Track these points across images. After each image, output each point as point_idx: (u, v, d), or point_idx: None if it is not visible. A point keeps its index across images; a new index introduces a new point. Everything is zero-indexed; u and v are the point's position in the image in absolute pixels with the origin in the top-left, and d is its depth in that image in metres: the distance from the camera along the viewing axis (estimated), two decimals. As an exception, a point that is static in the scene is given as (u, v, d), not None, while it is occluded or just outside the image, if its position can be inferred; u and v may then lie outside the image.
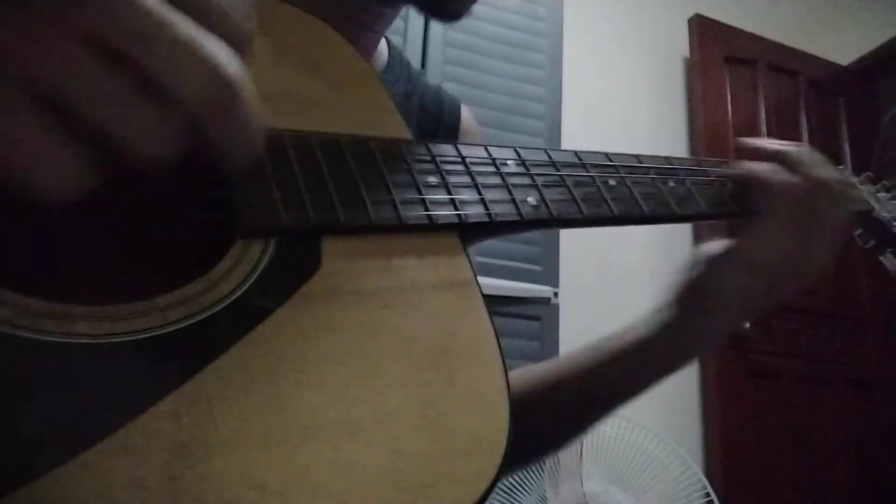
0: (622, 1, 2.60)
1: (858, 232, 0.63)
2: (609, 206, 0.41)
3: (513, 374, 0.56)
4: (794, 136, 2.61)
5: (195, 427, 0.23)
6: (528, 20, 1.96)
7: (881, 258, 0.61)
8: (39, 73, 0.20)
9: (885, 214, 0.59)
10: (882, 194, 0.62)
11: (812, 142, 2.65)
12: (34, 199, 0.22)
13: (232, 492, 0.22)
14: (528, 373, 0.57)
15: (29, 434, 0.21)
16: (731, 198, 0.48)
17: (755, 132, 2.54)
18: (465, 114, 0.67)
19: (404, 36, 1.74)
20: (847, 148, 2.67)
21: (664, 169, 0.46)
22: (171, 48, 0.22)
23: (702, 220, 0.49)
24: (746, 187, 0.49)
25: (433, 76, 1.78)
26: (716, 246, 0.51)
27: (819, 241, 0.49)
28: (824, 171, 0.49)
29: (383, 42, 0.63)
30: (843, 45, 2.85)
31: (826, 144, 2.64)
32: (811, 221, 0.48)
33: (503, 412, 0.29)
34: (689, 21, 2.54)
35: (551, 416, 0.56)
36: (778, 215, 0.47)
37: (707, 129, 2.43)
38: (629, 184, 0.44)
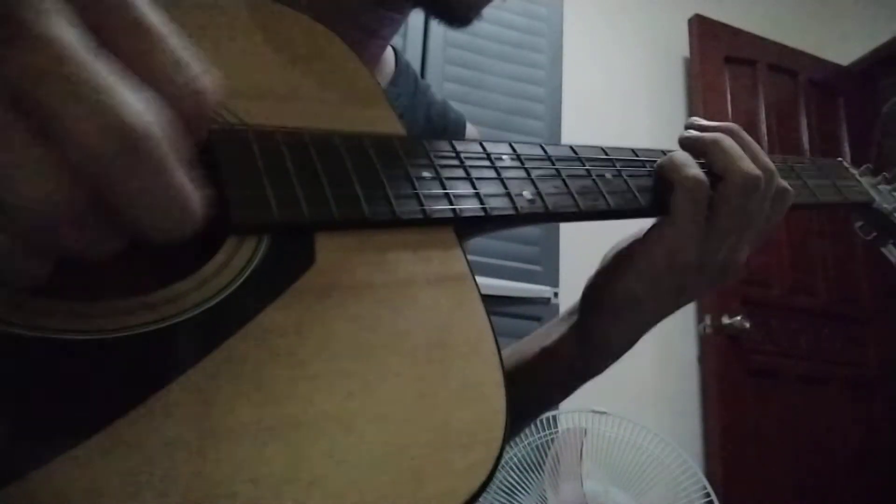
0: (622, 1, 2.60)
1: (860, 224, 0.63)
2: (605, 198, 0.41)
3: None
4: (794, 136, 2.62)
5: (189, 422, 0.23)
6: (528, 20, 1.96)
7: (883, 250, 0.61)
8: None
9: (885, 206, 0.59)
10: (883, 186, 0.61)
11: (812, 142, 2.65)
12: None
13: (226, 485, 0.22)
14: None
15: (22, 429, 0.21)
16: (640, 192, 0.45)
17: (755, 132, 2.54)
18: (471, 130, 0.67)
19: (404, 36, 1.74)
20: (847, 148, 2.67)
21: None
22: (68, 92, 0.19)
23: None
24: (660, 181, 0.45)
25: (433, 76, 1.78)
26: (623, 243, 0.48)
27: (741, 237, 0.45)
28: (744, 162, 0.44)
29: (391, 53, 0.62)
30: (843, 45, 2.85)
31: (826, 144, 2.65)
32: (728, 217, 0.44)
33: (500, 405, 0.28)
34: (689, 21, 2.54)
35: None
36: (681, 214, 0.43)
37: (707, 129, 2.43)
38: (625, 177, 0.44)
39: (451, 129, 0.64)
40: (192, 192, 0.22)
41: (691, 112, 2.53)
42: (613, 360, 0.49)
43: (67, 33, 0.20)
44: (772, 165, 0.46)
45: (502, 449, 0.27)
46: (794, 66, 2.68)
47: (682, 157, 0.45)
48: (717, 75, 2.51)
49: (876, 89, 2.79)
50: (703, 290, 0.47)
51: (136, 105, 0.20)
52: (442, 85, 1.78)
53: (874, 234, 0.61)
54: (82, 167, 0.20)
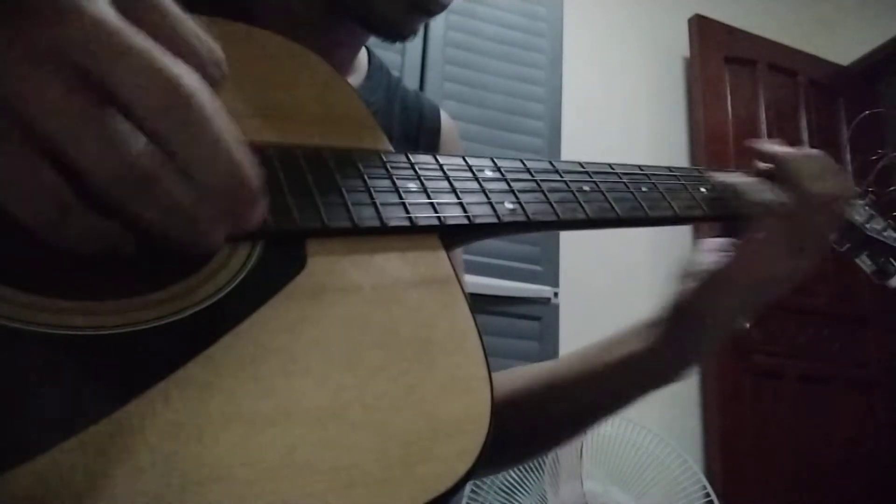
0: (622, 1, 2.60)
1: (833, 236, 0.64)
2: (583, 208, 0.43)
3: (505, 372, 0.57)
4: (794, 136, 2.62)
5: (187, 410, 0.24)
6: (528, 20, 1.97)
7: (857, 260, 0.62)
8: None
9: (857, 217, 0.61)
10: (855, 199, 0.63)
11: (812, 142, 2.65)
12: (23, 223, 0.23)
13: (223, 468, 0.23)
14: (521, 374, 0.58)
15: (27, 417, 0.22)
16: (706, 202, 0.49)
17: (755, 132, 2.54)
18: (445, 117, 0.68)
19: (404, 36, 1.74)
20: (847, 148, 2.67)
21: (636, 175, 0.49)
22: (122, 57, 0.22)
23: (675, 224, 0.50)
24: (728, 198, 0.50)
25: (433, 77, 1.78)
26: (707, 259, 0.52)
27: (808, 255, 0.48)
28: (820, 184, 0.48)
29: (364, 52, 0.64)
30: (843, 45, 2.85)
31: (826, 144, 2.64)
32: (801, 238, 0.47)
33: (485, 396, 0.30)
34: (689, 21, 2.54)
35: (544, 418, 0.56)
36: (762, 234, 0.47)
37: (707, 129, 2.44)
38: (602, 189, 0.46)
39: (426, 117, 0.65)
40: (245, 148, 0.25)
41: (691, 112, 2.54)
42: (681, 372, 0.52)
43: (109, 11, 0.22)
44: (839, 187, 0.49)
45: (488, 437, 0.28)
46: (794, 66, 2.68)
47: (757, 184, 0.49)
48: (717, 75, 2.51)
49: (876, 89, 2.79)
50: (765, 304, 0.50)
51: (180, 66, 0.23)
52: (442, 85, 1.78)
53: (847, 245, 0.62)
54: (147, 124, 0.23)
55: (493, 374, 0.31)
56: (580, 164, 0.47)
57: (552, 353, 1.76)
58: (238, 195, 0.25)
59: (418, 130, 0.64)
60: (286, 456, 0.24)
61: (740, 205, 0.49)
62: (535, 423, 0.56)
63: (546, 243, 1.78)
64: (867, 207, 0.62)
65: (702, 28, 2.52)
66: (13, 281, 0.25)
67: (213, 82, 0.25)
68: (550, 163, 0.45)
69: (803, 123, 2.65)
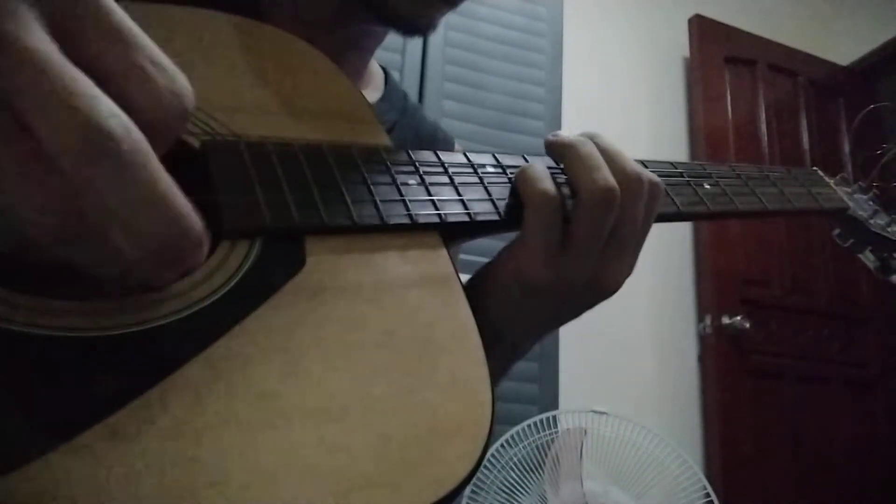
0: (622, 1, 2.60)
1: (836, 231, 0.64)
2: None
3: None
4: (794, 136, 2.62)
5: (184, 413, 0.23)
6: (528, 20, 1.97)
7: (860, 256, 0.62)
8: None
9: (861, 213, 0.60)
10: (858, 195, 0.63)
11: (812, 142, 2.65)
12: None
13: (221, 471, 0.23)
14: None
15: (21, 421, 0.22)
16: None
17: (755, 132, 2.54)
18: (459, 149, 0.67)
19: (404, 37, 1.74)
20: (847, 148, 2.67)
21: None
22: (42, 94, 0.20)
23: (680, 220, 0.49)
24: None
25: (433, 76, 1.78)
26: (482, 268, 0.44)
27: (609, 252, 0.40)
28: (599, 172, 0.39)
29: (380, 72, 0.63)
30: (843, 45, 2.85)
31: (826, 144, 2.65)
32: (588, 235, 0.39)
33: (485, 397, 0.29)
34: (689, 21, 2.54)
35: None
36: (530, 232, 0.39)
37: (707, 129, 2.44)
38: None
39: (439, 148, 0.65)
40: (180, 199, 0.22)
41: (691, 112, 2.54)
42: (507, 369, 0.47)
43: (41, 42, 0.20)
44: (637, 170, 0.40)
45: (488, 440, 0.28)
46: (794, 66, 2.68)
47: (536, 169, 0.40)
48: (717, 75, 2.51)
49: (876, 89, 2.79)
50: (579, 312, 0.43)
51: (110, 106, 0.21)
52: (442, 85, 1.78)
53: (851, 240, 0.62)
54: (57, 166, 0.20)
55: None
56: None
57: (552, 352, 1.76)
58: (180, 245, 0.22)
59: None
60: (285, 459, 0.24)
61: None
62: None
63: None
64: (871, 203, 0.62)
65: (702, 28, 2.52)
66: (8, 282, 0.25)
67: (173, 115, 0.23)
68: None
69: (803, 123, 2.65)
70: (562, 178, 0.40)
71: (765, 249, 2.38)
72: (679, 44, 2.59)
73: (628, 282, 0.42)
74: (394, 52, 1.73)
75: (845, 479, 2.28)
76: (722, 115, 2.48)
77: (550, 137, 0.42)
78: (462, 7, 0.52)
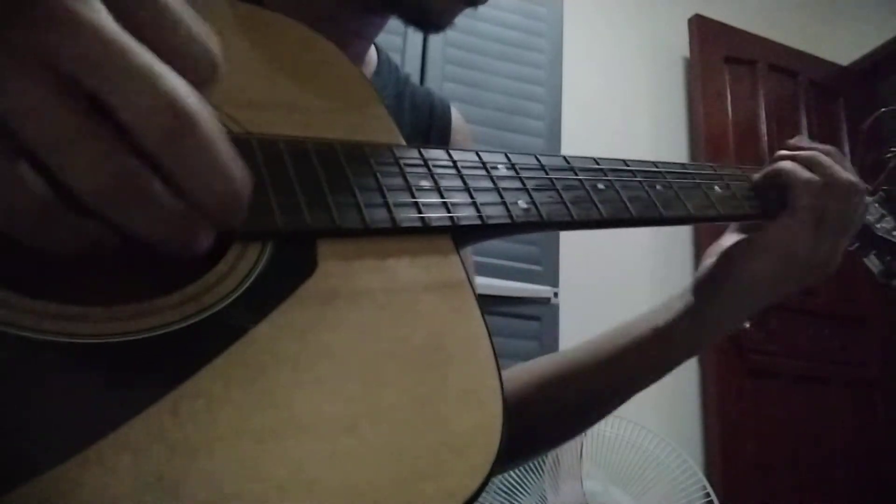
0: (622, 1, 2.60)
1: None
2: (598, 208, 0.42)
3: (511, 370, 0.57)
4: (794, 136, 2.61)
5: (195, 424, 0.23)
6: (528, 20, 1.96)
7: (865, 260, 0.62)
8: None
9: (868, 217, 0.60)
10: (865, 198, 0.62)
11: (812, 142, 2.64)
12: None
13: (232, 486, 0.22)
14: (526, 370, 0.58)
15: (31, 432, 0.21)
16: (748, 198, 0.51)
17: (755, 132, 2.54)
18: (456, 113, 0.68)
19: (404, 36, 1.74)
20: (847, 148, 2.67)
21: (651, 173, 0.48)
22: (125, 77, 0.21)
23: (690, 223, 0.50)
24: (769, 187, 0.53)
25: (433, 76, 1.78)
26: (733, 238, 0.55)
27: (839, 241, 0.52)
28: (845, 172, 0.52)
29: (372, 48, 0.63)
30: (843, 45, 2.85)
31: (826, 145, 2.64)
32: (835, 218, 0.51)
33: (497, 409, 0.29)
34: (689, 21, 2.54)
35: (552, 413, 0.56)
36: (802, 211, 0.50)
37: (707, 129, 2.44)
38: (617, 187, 0.45)
39: (437, 114, 0.65)
40: (240, 164, 0.24)
41: (691, 112, 2.54)
42: (719, 339, 0.55)
43: (105, 17, 0.21)
44: (854, 179, 0.53)
45: (499, 452, 0.28)
46: (794, 66, 2.68)
47: (793, 164, 0.52)
48: (717, 75, 2.51)
49: (876, 89, 2.79)
50: (801, 284, 0.53)
51: (183, 85, 0.22)
52: (442, 85, 1.78)
53: (856, 244, 0.62)
54: (146, 147, 0.22)
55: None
56: (594, 160, 0.46)
57: (552, 353, 1.75)
58: (229, 210, 0.24)
59: (429, 127, 0.63)
60: (296, 472, 0.23)
61: (789, 188, 0.52)
62: (542, 419, 0.56)
63: (546, 243, 1.77)
64: (877, 206, 0.61)
65: (702, 28, 2.52)
66: (14, 285, 0.24)
67: (204, 82, 0.24)
68: (565, 159, 0.44)
69: (803, 123, 2.65)
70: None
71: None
72: (679, 44, 2.59)
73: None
74: (393, 52, 1.73)
75: (845, 478, 2.28)
76: (722, 115, 2.48)
77: (789, 153, 0.55)
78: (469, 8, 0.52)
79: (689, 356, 0.55)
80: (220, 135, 0.23)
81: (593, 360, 0.56)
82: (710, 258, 0.56)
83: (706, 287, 0.54)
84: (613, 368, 0.55)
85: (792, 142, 0.56)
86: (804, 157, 0.54)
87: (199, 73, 0.24)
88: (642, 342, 0.55)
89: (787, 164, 0.53)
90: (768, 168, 0.54)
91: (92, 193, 0.22)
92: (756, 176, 0.55)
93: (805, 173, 0.51)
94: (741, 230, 0.57)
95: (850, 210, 0.51)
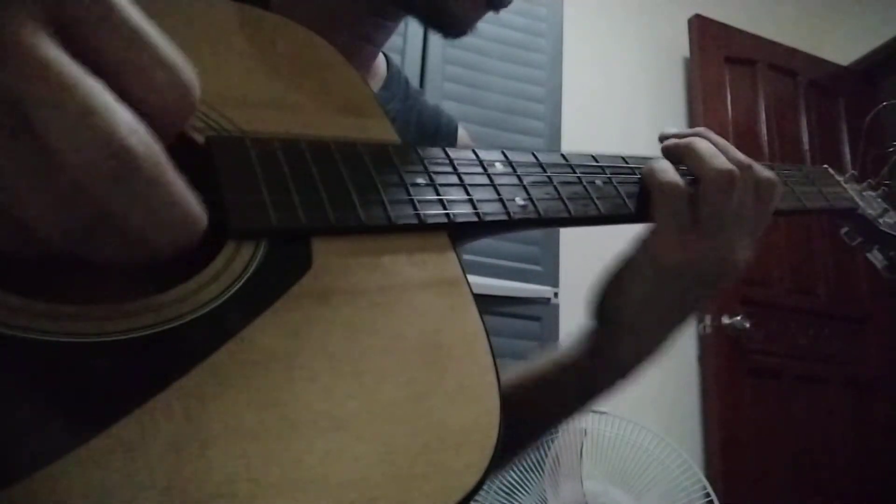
0: (622, 1, 2.60)
1: (845, 230, 0.64)
2: (595, 204, 0.42)
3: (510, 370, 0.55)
4: (794, 136, 2.62)
5: (189, 422, 0.23)
6: (528, 20, 1.96)
7: (868, 255, 0.62)
8: None
9: (870, 212, 0.60)
10: (868, 192, 0.62)
11: (812, 142, 2.65)
12: None
13: (227, 485, 0.22)
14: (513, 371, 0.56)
15: (23, 431, 0.21)
16: (629, 198, 0.46)
17: (755, 132, 2.54)
18: (462, 133, 0.67)
19: (404, 36, 1.74)
20: (847, 148, 2.67)
21: None
22: (60, 113, 0.20)
23: None
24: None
25: (433, 77, 1.78)
26: (621, 256, 0.48)
27: (731, 236, 0.44)
28: (717, 159, 0.44)
29: (382, 59, 0.63)
30: (843, 45, 2.85)
31: (826, 144, 2.65)
32: (709, 218, 0.43)
33: (494, 406, 0.29)
34: (689, 21, 2.54)
35: (524, 415, 0.53)
36: (660, 218, 0.44)
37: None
38: (615, 183, 0.44)
39: (442, 132, 0.64)
40: (191, 199, 0.23)
41: (691, 112, 2.54)
42: (622, 376, 0.49)
43: (48, 46, 0.20)
44: (747, 160, 0.46)
45: (496, 449, 0.27)
46: (794, 66, 2.68)
47: (661, 163, 0.45)
48: (717, 75, 2.51)
49: (876, 89, 2.79)
50: (705, 295, 0.46)
51: (129, 122, 0.21)
52: (442, 85, 1.78)
53: (859, 239, 0.61)
54: (82, 187, 0.21)
55: None
56: (592, 157, 0.45)
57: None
58: (189, 238, 0.24)
59: (433, 144, 0.63)
60: (291, 470, 0.23)
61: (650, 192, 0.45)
62: (517, 421, 0.53)
63: (546, 243, 1.78)
64: (880, 201, 0.61)
65: (702, 28, 2.52)
66: (6, 283, 0.24)
67: (176, 108, 0.23)
68: (562, 155, 0.44)
69: (803, 123, 2.65)
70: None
71: (765, 249, 2.38)
72: (679, 44, 2.59)
73: None
74: (393, 52, 1.72)
75: (845, 478, 2.28)
76: (722, 115, 2.48)
77: (668, 142, 0.48)
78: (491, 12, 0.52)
79: (593, 390, 0.50)
80: (166, 169, 0.22)
81: (526, 380, 0.51)
82: (602, 279, 0.49)
83: (597, 315, 0.48)
84: (535, 393, 0.50)
85: (660, 134, 0.49)
86: (668, 150, 0.47)
87: (167, 95, 0.23)
88: (545, 374, 0.50)
89: (645, 166, 0.45)
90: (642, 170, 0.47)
91: (54, 239, 0.22)
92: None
93: (664, 175, 0.44)
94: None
95: (726, 205, 0.43)
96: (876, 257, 0.61)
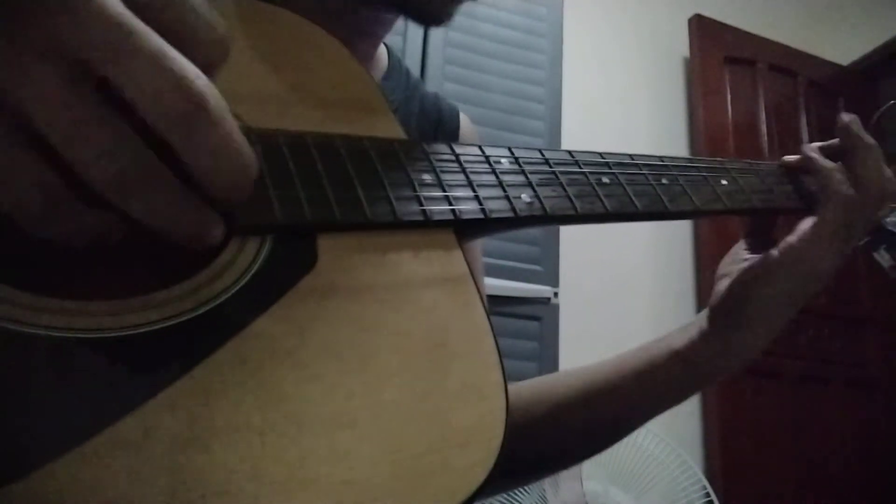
0: (622, 1, 2.60)
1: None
2: (602, 202, 0.42)
3: (514, 386, 0.55)
4: (794, 136, 2.62)
5: (192, 420, 0.23)
6: (528, 20, 1.96)
7: (874, 255, 0.61)
8: None
9: None
10: None
11: (812, 142, 2.64)
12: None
13: (229, 483, 0.22)
14: (529, 388, 0.56)
15: (25, 427, 0.21)
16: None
17: (755, 132, 2.54)
18: (464, 119, 0.67)
19: (404, 36, 1.74)
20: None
21: (657, 166, 0.47)
22: (134, 60, 0.21)
23: (696, 217, 0.48)
24: (792, 179, 0.49)
25: (433, 76, 1.78)
26: (743, 255, 0.51)
27: (857, 243, 0.49)
28: (888, 184, 0.48)
29: (383, 49, 0.63)
30: (843, 45, 2.85)
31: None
32: (862, 229, 0.47)
33: (500, 404, 0.29)
34: (689, 21, 2.54)
35: (559, 437, 0.54)
36: (833, 224, 0.47)
37: (707, 129, 2.44)
38: (622, 181, 0.44)
39: (445, 119, 0.65)
40: (245, 142, 0.25)
41: (691, 112, 2.54)
42: (746, 363, 0.51)
43: (119, 4, 0.21)
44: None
45: (502, 448, 0.27)
46: (794, 66, 2.68)
47: (840, 174, 0.48)
48: (717, 75, 2.51)
49: (876, 89, 2.79)
50: (812, 298, 0.49)
51: (192, 67, 0.23)
52: (442, 85, 1.78)
53: (866, 238, 0.61)
54: (157, 128, 0.22)
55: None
56: (599, 155, 0.45)
57: (552, 353, 1.76)
58: (238, 186, 0.25)
59: (436, 132, 0.63)
60: (295, 469, 0.23)
61: (822, 193, 0.48)
62: (544, 442, 0.53)
63: (546, 243, 1.77)
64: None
65: (702, 28, 2.52)
66: (12, 279, 0.24)
67: (214, 63, 0.25)
68: (569, 153, 0.44)
69: (803, 123, 2.65)
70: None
71: (765, 249, 2.37)
72: (679, 44, 2.59)
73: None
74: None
75: (845, 479, 2.28)
76: (722, 115, 2.48)
77: (851, 130, 0.49)
78: (462, 7, 0.52)
79: (712, 382, 0.52)
80: (228, 114, 0.24)
81: (606, 383, 0.53)
82: (723, 281, 0.52)
83: (726, 313, 0.51)
84: (629, 392, 0.52)
85: (842, 122, 0.50)
86: (844, 147, 0.49)
87: (208, 54, 0.24)
88: (660, 365, 0.52)
89: (824, 164, 0.48)
90: (799, 159, 0.51)
91: (103, 182, 0.22)
92: (786, 160, 0.51)
93: (845, 187, 0.47)
94: (751, 241, 0.54)
95: (877, 219, 0.48)
96: (882, 257, 0.60)
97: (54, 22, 0.20)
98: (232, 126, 0.24)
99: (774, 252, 0.49)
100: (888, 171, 0.48)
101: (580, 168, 0.43)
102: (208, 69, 0.24)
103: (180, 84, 0.22)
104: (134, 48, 0.21)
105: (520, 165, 0.41)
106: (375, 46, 0.59)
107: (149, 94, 0.22)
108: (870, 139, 0.49)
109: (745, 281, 0.50)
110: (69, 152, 0.22)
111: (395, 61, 0.63)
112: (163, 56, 0.22)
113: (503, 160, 0.40)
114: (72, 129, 0.21)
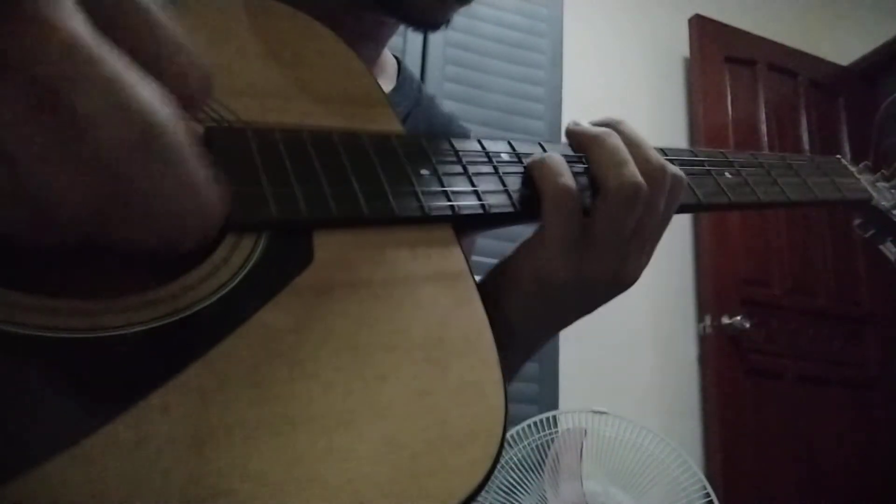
0: (622, 1, 2.60)
1: (858, 222, 0.62)
2: None
3: None
4: (794, 136, 2.62)
5: (187, 420, 0.23)
6: (528, 20, 1.97)
7: (881, 247, 0.61)
8: None
9: (884, 203, 0.59)
10: (881, 183, 0.61)
11: (812, 142, 2.65)
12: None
13: (225, 483, 0.22)
14: None
15: (18, 428, 0.21)
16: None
17: (755, 132, 2.54)
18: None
19: (404, 36, 1.74)
20: (847, 148, 2.67)
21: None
22: (91, 87, 0.20)
23: (696, 212, 0.48)
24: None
25: (433, 76, 1.78)
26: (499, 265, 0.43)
27: (630, 247, 0.39)
28: (626, 168, 0.37)
29: (393, 62, 0.63)
30: (843, 45, 2.85)
31: (826, 144, 2.64)
32: (611, 231, 0.38)
33: (498, 402, 0.28)
34: (689, 21, 2.54)
35: None
36: (550, 229, 0.38)
37: (707, 130, 2.44)
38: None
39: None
40: (209, 186, 0.23)
41: (691, 112, 2.54)
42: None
43: (82, 28, 0.20)
44: (661, 163, 0.39)
45: (501, 446, 0.27)
46: (794, 66, 2.68)
47: (555, 161, 0.38)
48: (717, 75, 2.51)
49: (876, 89, 2.79)
50: (594, 307, 0.42)
51: (150, 95, 0.21)
52: (442, 85, 1.78)
53: (872, 231, 0.60)
54: (102, 160, 0.21)
55: None
56: None
57: (552, 352, 1.76)
58: (204, 226, 0.24)
59: None
60: (291, 469, 0.23)
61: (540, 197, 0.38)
62: None
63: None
64: (893, 192, 0.60)
65: (702, 28, 2.52)
66: (5, 280, 0.24)
67: (193, 100, 0.24)
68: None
69: (803, 123, 2.65)
70: (579, 168, 0.39)
71: (765, 249, 2.38)
72: (679, 44, 2.59)
73: None
74: (393, 52, 1.73)
75: (845, 479, 2.27)
76: (722, 115, 2.48)
77: (572, 126, 0.41)
78: (461, 8, 0.52)
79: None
80: (190, 150, 0.23)
81: None
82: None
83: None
84: None
85: (567, 124, 0.41)
86: (572, 137, 0.40)
87: (190, 84, 0.24)
88: None
89: (536, 161, 0.38)
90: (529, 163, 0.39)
91: (65, 217, 0.21)
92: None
93: (558, 179, 0.37)
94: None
95: (627, 221, 0.37)
96: (889, 249, 0.60)
97: (18, 42, 0.19)
98: (187, 160, 0.22)
99: (506, 262, 0.42)
100: (627, 168, 0.37)
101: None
102: (187, 99, 0.23)
103: (139, 115, 0.21)
104: (93, 75, 0.20)
105: (519, 159, 0.40)
106: (378, 50, 0.58)
107: (104, 126, 0.20)
108: (594, 130, 0.40)
109: (486, 292, 0.38)
110: (27, 175, 0.21)
111: (406, 74, 0.63)
112: (123, 84, 0.21)
113: (503, 154, 0.40)
114: (29, 157, 0.20)
